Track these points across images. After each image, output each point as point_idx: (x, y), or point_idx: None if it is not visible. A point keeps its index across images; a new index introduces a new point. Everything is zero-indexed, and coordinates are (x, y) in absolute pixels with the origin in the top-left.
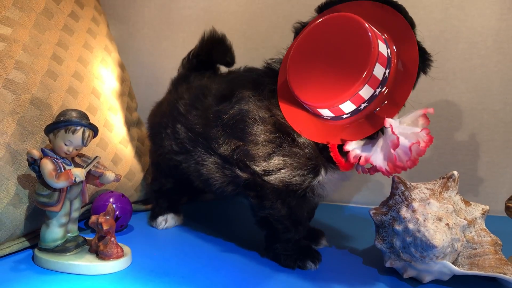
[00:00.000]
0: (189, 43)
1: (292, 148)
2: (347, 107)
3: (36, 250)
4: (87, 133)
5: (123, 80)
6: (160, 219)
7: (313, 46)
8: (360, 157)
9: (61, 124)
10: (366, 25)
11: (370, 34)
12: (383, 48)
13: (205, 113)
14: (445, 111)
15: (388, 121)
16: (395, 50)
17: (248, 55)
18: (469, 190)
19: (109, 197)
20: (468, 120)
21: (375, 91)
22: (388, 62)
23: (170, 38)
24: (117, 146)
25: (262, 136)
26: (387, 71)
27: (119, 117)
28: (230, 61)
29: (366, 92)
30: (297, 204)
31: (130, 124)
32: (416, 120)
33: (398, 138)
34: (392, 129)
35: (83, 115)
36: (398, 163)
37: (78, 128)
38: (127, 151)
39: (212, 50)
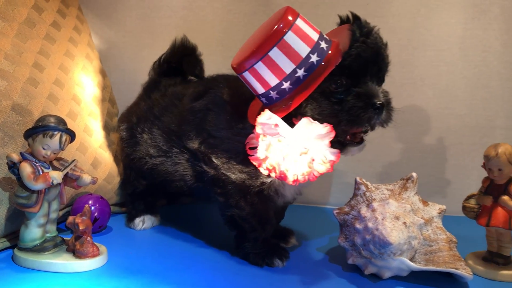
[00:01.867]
0: None
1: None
2: (266, 75)
3: (15, 250)
4: (64, 138)
5: (104, 87)
6: (137, 220)
7: (256, 33)
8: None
9: (39, 129)
10: (289, 8)
11: (286, 9)
12: (309, 31)
13: (180, 113)
14: (413, 115)
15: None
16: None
17: (225, 63)
18: (438, 192)
19: (88, 199)
20: (436, 124)
21: (296, 70)
22: (317, 49)
23: (150, 46)
24: (96, 150)
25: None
26: (315, 58)
27: (99, 122)
28: (198, 74)
29: (284, 63)
30: (261, 202)
31: (110, 129)
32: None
33: (258, 135)
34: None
35: (61, 121)
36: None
37: (56, 133)
38: (106, 155)
39: (182, 60)
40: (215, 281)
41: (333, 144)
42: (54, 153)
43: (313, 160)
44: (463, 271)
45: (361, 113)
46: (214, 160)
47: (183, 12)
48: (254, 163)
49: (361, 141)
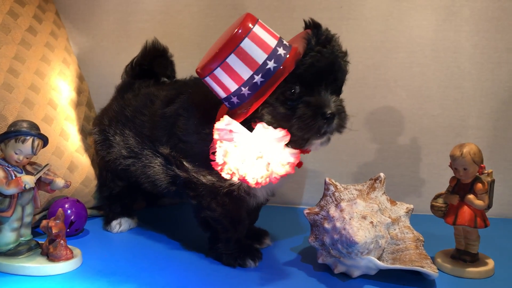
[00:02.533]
0: None
1: None
2: (226, 80)
3: None
4: (36, 143)
5: (81, 91)
6: (114, 223)
7: (219, 38)
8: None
9: (11, 134)
10: (248, 15)
11: (245, 16)
12: (267, 38)
13: (152, 118)
14: (387, 116)
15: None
16: None
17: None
18: (412, 191)
19: (65, 202)
20: (409, 125)
21: (254, 76)
22: (274, 56)
23: (128, 50)
24: (73, 154)
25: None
26: (272, 64)
27: (76, 126)
28: (170, 75)
29: (241, 69)
30: (232, 203)
31: (87, 133)
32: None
33: (215, 141)
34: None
35: (33, 126)
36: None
37: (28, 137)
38: (83, 159)
39: (153, 62)
40: (189, 282)
41: (296, 140)
42: (27, 158)
43: (269, 163)
44: (429, 269)
45: (310, 122)
46: (185, 163)
47: (160, 16)
48: (216, 168)
49: (324, 133)
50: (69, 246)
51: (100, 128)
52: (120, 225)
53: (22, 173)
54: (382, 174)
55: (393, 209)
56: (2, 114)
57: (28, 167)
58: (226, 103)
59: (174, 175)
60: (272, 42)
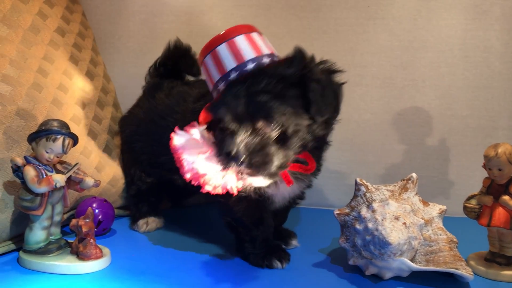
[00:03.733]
0: None
1: None
2: (210, 73)
3: (20, 252)
4: (67, 141)
5: (107, 91)
6: (141, 222)
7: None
8: None
9: (42, 133)
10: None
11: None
12: (246, 48)
13: (184, 114)
14: (415, 117)
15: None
16: None
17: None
18: (441, 193)
19: (92, 202)
20: (438, 125)
21: (218, 84)
22: (242, 67)
23: (154, 50)
24: (100, 154)
25: None
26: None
27: (104, 126)
28: (196, 73)
29: (213, 71)
30: (249, 205)
31: (114, 133)
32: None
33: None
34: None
35: (64, 125)
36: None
37: (59, 136)
38: (110, 159)
39: (178, 62)
40: (217, 282)
41: None
42: (57, 157)
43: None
44: (464, 271)
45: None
46: None
47: (185, 16)
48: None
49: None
50: (98, 245)
51: (129, 128)
52: (147, 224)
53: (52, 172)
54: (414, 175)
55: (426, 210)
56: (32, 114)
57: (59, 166)
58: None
59: None
60: (250, 54)
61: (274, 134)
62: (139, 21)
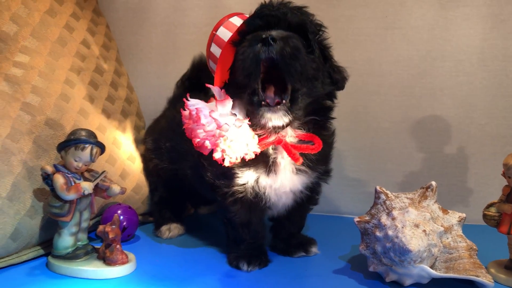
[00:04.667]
0: None
1: None
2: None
3: (49, 257)
4: (95, 150)
5: (131, 101)
6: (164, 228)
7: None
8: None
9: (71, 142)
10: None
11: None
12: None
13: None
14: (434, 125)
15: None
16: None
17: None
18: (459, 201)
19: (117, 209)
20: (456, 134)
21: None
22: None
23: (175, 61)
24: (125, 162)
25: None
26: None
27: (127, 135)
28: None
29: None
30: (242, 206)
31: (138, 141)
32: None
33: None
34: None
35: (91, 134)
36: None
37: (87, 145)
38: (134, 167)
39: (201, 74)
40: (241, 287)
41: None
42: (85, 165)
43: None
44: (484, 278)
45: (246, 52)
46: (206, 165)
47: (206, 28)
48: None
49: (277, 104)
50: (124, 251)
51: (154, 137)
52: (170, 230)
53: (80, 179)
54: (433, 183)
55: (445, 217)
56: (60, 123)
57: (86, 174)
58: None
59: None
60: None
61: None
62: (161, 32)
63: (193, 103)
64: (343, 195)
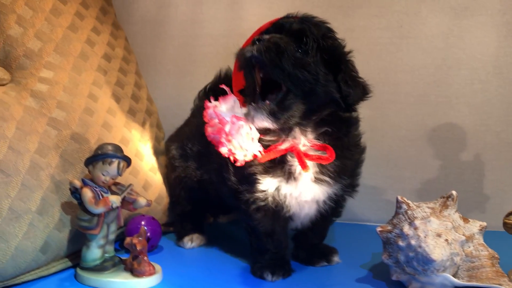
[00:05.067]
0: (210, 77)
1: None
2: None
3: (78, 269)
4: (121, 164)
5: (151, 113)
6: (186, 239)
7: None
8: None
9: (99, 157)
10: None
11: None
12: None
13: None
14: (450, 133)
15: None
16: None
17: None
18: (476, 207)
19: (141, 220)
20: (472, 141)
21: None
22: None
23: (193, 73)
24: (147, 173)
25: None
26: None
27: (149, 147)
28: None
29: None
30: (265, 215)
31: (159, 153)
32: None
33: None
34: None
35: (118, 148)
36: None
37: (114, 160)
38: (156, 178)
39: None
40: None
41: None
42: (113, 179)
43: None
44: (507, 286)
45: (240, 51)
46: (230, 169)
47: (223, 40)
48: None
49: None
50: (151, 262)
51: (178, 143)
52: (192, 241)
53: (108, 193)
54: (454, 192)
55: (467, 226)
56: (85, 137)
57: (113, 187)
58: None
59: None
60: None
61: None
62: (178, 44)
63: (212, 104)
64: (360, 203)
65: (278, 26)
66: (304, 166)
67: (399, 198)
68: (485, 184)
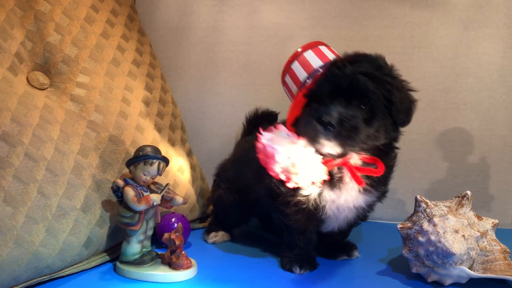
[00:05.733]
0: (230, 81)
1: None
2: (290, 87)
3: (118, 263)
4: (161, 165)
5: (176, 116)
6: (212, 234)
7: None
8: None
9: (140, 158)
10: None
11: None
12: (315, 60)
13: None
14: (457, 137)
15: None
16: None
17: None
18: (482, 206)
19: (172, 217)
20: (479, 144)
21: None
22: (312, 74)
23: (214, 77)
24: (175, 173)
25: None
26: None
27: (176, 148)
28: None
29: (291, 86)
30: (301, 215)
31: (184, 154)
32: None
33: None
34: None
35: (157, 150)
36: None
37: (155, 161)
38: (183, 178)
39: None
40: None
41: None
42: (152, 178)
43: (293, 164)
44: None
45: (309, 125)
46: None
47: (243, 46)
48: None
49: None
50: (188, 257)
51: (223, 167)
52: (217, 236)
53: (147, 191)
54: (469, 192)
55: (480, 223)
56: (121, 139)
57: (152, 186)
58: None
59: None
60: (317, 64)
61: (365, 112)
62: (199, 50)
63: (267, 139)
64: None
65: (337, 83)
66: (360, 182)
67: (418, 197)
68: (490, 185)
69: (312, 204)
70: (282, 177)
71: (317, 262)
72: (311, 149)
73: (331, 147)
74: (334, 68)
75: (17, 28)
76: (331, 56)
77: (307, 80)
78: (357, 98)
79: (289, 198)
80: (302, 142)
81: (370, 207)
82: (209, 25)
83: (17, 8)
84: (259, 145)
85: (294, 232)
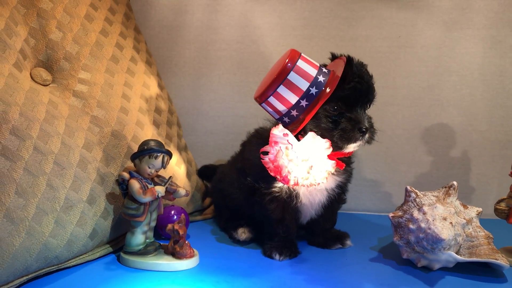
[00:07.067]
0: (224, 79)
1: None
2: (277, 105)
3: (122, 253)
4: (166, 158)
5: (172, 112)
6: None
7: (271, 70)
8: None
9: (145, 151)
10: (292, 51)
11: (290, 53)
12: (309, 69)
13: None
14: (441, 132)
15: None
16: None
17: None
18: (463, 197)
19: (171, 209)
20: (460, 139)
21: (300, 101)
22: (315, 83)
23: (207, 75)
24: (174, 167)
25: None
26: (314, 90)
27: (174, 143)
28: None
29: (289, 96)
30: (277, 205)
31: (181, 149)
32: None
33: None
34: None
35: (161, 144)
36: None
37: (159, 154)
38: (180, 172)
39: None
40: (297, 276)
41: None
42: (156, 171)
43: (311, 167)
44: (502, 261)
45: (350, 133)
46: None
47: (236, 45)
48: (266, 166)
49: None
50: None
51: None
52: (245, 233)
53: (151, 184)
54: (455, 183)
55: (466, 211)
56: (122, 134)
57: (156, 179)
58: (280, 123)
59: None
60: (313, 72)
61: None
62: (194, 48)
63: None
64: (361, 194)
65: (360, 91)
66: (341, 166)
67: (409, 188)
68: (471, 177)
69: (285, 192)
70: (292, 182)
71: (298, 249)
72: (320, 146)
73: (357, 146)
74: (365, 74)
75: (21, 25)
76: (313, 62)
77: (311, 88)
78: (368, 102)
79: (264, 190)
80: (308, 140)
81: (340, 188)
82: (203, 24)
83: (20, 5)
84: (267, 157)
85: (273, 222)
